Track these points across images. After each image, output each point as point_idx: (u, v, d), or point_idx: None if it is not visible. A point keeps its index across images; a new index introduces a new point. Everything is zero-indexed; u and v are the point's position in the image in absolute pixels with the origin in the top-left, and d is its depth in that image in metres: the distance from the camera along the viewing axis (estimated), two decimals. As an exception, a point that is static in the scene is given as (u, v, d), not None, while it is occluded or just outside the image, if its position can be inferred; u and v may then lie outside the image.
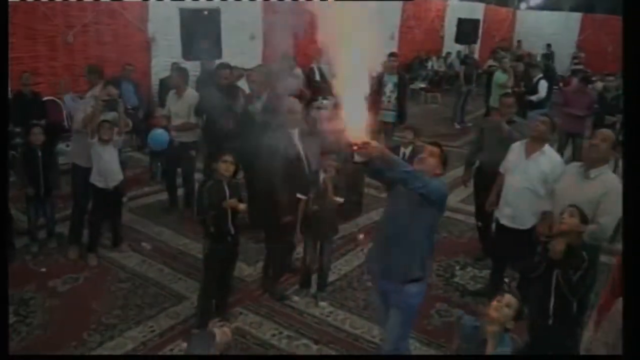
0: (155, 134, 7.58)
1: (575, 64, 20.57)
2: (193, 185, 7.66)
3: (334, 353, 4.87)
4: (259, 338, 5.01)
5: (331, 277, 5.94)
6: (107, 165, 6.03)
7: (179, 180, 7.84)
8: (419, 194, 3.65)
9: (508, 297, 3.43)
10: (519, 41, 22.61)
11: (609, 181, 4.51)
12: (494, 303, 3.40)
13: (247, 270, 6.17)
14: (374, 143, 3.46)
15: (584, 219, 4.04)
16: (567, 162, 8.93)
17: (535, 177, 5.24)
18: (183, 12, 9.49)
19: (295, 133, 5.52)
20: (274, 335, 5.08)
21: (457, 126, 14.29)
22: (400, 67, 11.03)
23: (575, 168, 4.85)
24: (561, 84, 16.98)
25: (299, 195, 5.41)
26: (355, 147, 3.44)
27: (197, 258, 6.31)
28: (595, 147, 4.56)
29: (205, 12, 10.06)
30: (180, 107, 7.26)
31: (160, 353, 4.74)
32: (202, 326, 4.49)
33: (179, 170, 7.74)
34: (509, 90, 11.13)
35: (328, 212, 5.46)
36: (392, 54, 10.20)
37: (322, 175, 5.39)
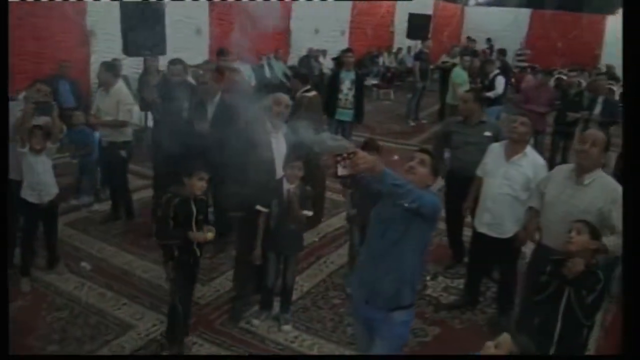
0: (75, 131, 7.08)
1: (519, 60, 20.56)
2: (127, 191, 7.11)
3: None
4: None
5: (293, 296, 5.37)
6: (40, 177, 5.31)
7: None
8: (409, 210, 3.15)
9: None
10: (468, 37, 22.52)
11: (609, 186, 4.07)
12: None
13: (201, 290, 5.54)
14: (361, 154, 2.95)
15: (595, 234, 3.60)
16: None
17: (517, 182, 4.87)
18: (124, 4, 8.76)
19: (280, 134, 5.03)
20: (233, 368, 4.50)
21: (412, 123, 13.97)
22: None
23: (564, 173, 4.38)
24: (513, 80, 16.87)
25: (259, 208, 4.82)
26: (339, 159, 2.92)
27: (142, 278, 5.75)
28: (584, 153, 4.12)
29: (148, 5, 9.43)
30: (109, 103, 6.70)
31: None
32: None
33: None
34: (467, 87, 10.95)
35: (292, 226, 4.89)
36: (347, 50, 9.77)
37: (286, 186, 4.81)
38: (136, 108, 8.53)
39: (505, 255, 5.15)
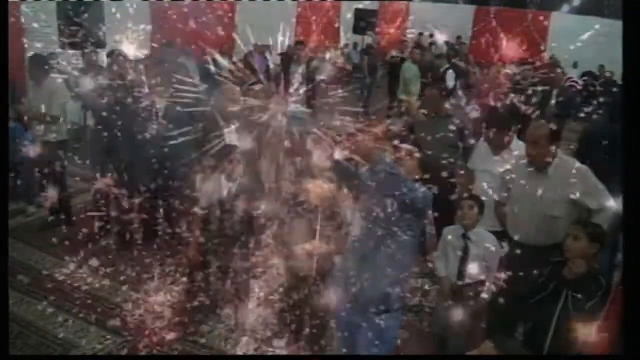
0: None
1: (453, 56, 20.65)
2: (67, 195, 6.70)
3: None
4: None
5: (250, 304, 5.01)
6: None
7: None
8: (401, 201, 2.98)
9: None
10: (420, 33, 22.58)
11: (570, 166, 4.05)
12: None
13: (148, 302, 5.15)
14: (361, 137, 2.90)
15: (594, 237, 3.43)
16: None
17: (503, 177, 4.67)
18: (61, -5, 8.39)
19: (232, 130, 4.71)
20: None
21: (362, 119, 13.74)
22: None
23: (524, 167, 4.26)
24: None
25: (195, 210, 4.47)
26: (338, 140, 2.95)
27: (85, 291, 5.30)
28: (532, 147, 4.08)
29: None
30: (41, 98, 6.32)
31: None
32: None
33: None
34: (418, 81, 10.83)
35: (236, 228, 4.54)
36: (298, 42, 9.50)
37: (225, 184, 4.45)
38: (74, 105, 8.09)
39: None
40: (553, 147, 4.07)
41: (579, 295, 3.30)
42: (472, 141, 5.88)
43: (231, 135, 4.76)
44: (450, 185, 5.61)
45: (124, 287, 5.42)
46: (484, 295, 4.14)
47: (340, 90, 15.02)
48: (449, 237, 4.26)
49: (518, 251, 4.13)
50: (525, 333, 3.75)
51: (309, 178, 4.01)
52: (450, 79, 11.42)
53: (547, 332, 3.42)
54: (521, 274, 3.73)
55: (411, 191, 2.98)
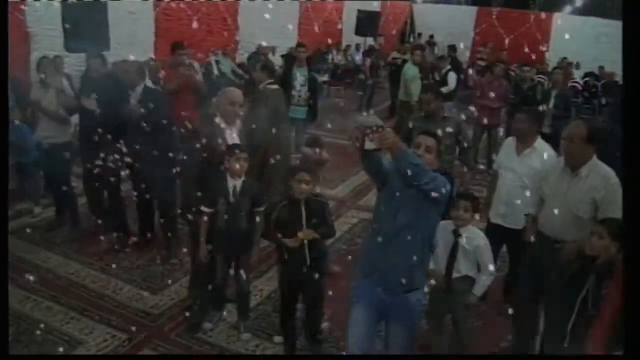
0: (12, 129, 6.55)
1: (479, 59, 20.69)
2: (72, 196, 6.73)
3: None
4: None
5: (253, 301, 5.14)
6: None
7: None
8: (424, 191, 3.19)
9: None
10: (419, 34, 22.66)
11: (604, 176, 4.09)
12: None
13: (153, 300, 5.26)
14: (389, 129, 3.05)
15: (617, 235, 3.48)
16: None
17: (527, 175, 5.02)
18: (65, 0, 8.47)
19: (234, 131, 4.85)
20: (191, 384, 4.23)
21: (364, 121, 13.82)
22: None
23: (560, 167, 4.38)
24: (462, 76, 16.95)
25: (203, 209, 4.55)
26: (369, 132, 3.02)
27: (90, 289, 5.41)
28: (568, 146, 4.17)
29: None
30: (50, 99, 6.38)
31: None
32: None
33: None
34: (419, 82, 10.89)
35: (243, 225, 4.61)
36: (300, 45, 9.53)
37: (231, 182, 4.55)
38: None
39: (516, 247, 5.17)
40: (589, 149, 4.15)
41: (602, 281, 3.44)
42: (466, 144, 6.02)
43: (233, 135, 4.86)
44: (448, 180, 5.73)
45: (129, 286, 5.52)
46: (476, 291, 4.32)
47: (342, 92, 15.21)
48: (440, 232, 4.31)
49: (544, 245, 4.28)
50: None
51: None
52: (452, 81, 11.51)
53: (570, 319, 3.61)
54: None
55: (433, 181, 3.18)
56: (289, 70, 9.28)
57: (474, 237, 4.33)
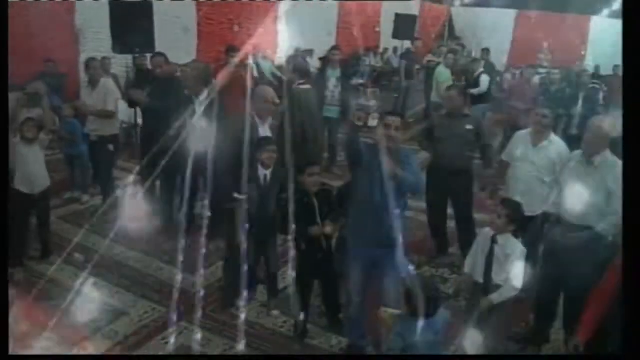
0: (65, 122, 7.32)
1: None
2: (112, 185, 7.28)
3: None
4: (209, 355, 4.57)
5: (280, 285, 5.52)
6: (31, 168, 5.45)
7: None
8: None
9: None
10: (457, 37, 22.76)
11: (612, 162, 4.46)
12: None
13: (191, 280, 5.68)
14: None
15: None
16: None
17: (544, 166, 5.40)
18: (112, 3, 8.91)
19: (266, 126, 5.29)
20: (225, 350, 4.68)
21: (398, 121, 14.08)
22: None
23: (578, 157, 4.78)
24: (498, 79, 17.07)
25: (236, 195, 4.94)
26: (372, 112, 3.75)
27: (134, 269, 5.92)
28: (589, 138, 4.58)
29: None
30: (96, 98, 6.93)
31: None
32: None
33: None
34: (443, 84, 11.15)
35: (270, 210, 5.03)
36: (334, 48, 9.92)
37: (261, 171, 4.95)
38: (125, 105, 8.69)
39: (533, 232, 5.44)
40: (605, 141, 4.53)
41: None
42: (486, 141, 6.29)
43: (265, 129, 5.26)
44: (468, 177, 6.05)
45: (170, 267, 5.99)
46: (493, 297, 4.23)
47: (377, 93, 15.43)
48: (480, 237, 4.55)
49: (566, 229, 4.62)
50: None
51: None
52: (484, 83, 11.74)
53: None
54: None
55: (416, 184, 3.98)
56: (323, 71, 9.66)
57: (509, 246, 4.27)
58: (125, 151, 9.10)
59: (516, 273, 4.16)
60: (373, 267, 4.37)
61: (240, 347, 4.63)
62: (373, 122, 3.53)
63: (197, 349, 4.60)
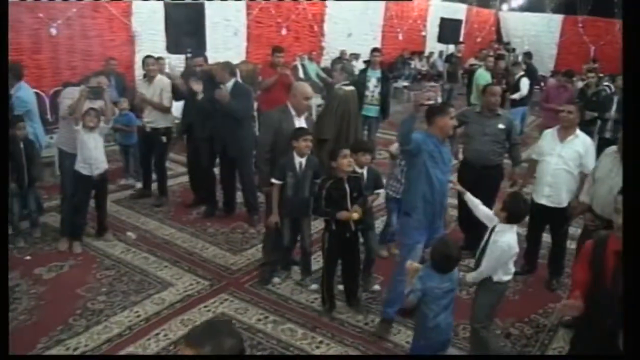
0: (122, 114, 7.94)
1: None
2: (163, 173, 7.83)
3: (319, 338, 4.91)
4: (245, 323, 5.03)
5: (313, 267, 5.95)
6: (92, 152, 5.99)
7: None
8: None
9: None
10: (499, 41, 22.88)
11: None
12: None
13: (233, 258, 6.21)
14: None
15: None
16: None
17: (571, 159, 5.67)
18: (167, 6, 9.51)
19: (302, 119, 5.68)
20: (259, 320, 5.11)
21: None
22: (383, 65, 11.18)
23: (611, 155, 5.06)
24: (542, 84, 17.19)
25: (273, 181, 5.41)
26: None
27: (181, 247, 6.43)
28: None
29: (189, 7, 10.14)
30: (152, 92, 7.42)
31: (146, 337, 4.73)
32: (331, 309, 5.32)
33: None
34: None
35: (305, 193, 5.46)
36: (375, 49, 10.30)
37: (297, 159, 5.39)
38: (177, 103, 9.28)
39: (559, 223, 5.95)
40: None
41: None
42: (515, 141, 6.54)
43: (302, 122, 5.71)
44: (498, 172, 6.36)
45: (214, 247, 6.52)
46: (468, 276, 4.39)
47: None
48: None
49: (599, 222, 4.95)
50: None
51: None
52: (524, 86, 11.98)
53: None
54: None
55: None
56: (364, 72, 10.08)
57: (499, 234, 4.25)
58: (177, 144, 9.72)
59: (491, 260, 4.23)
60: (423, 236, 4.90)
61: (273, 317, 5.15)
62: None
63: (235, 315, 5.11)
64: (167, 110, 7.46)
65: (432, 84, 10.35)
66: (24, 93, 6.69)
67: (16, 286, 5.40)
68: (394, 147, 6.12)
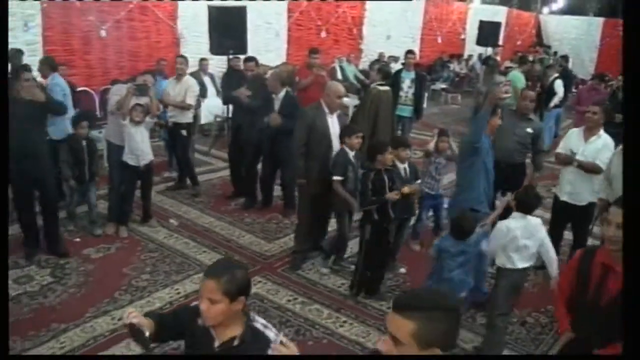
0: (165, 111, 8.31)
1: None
2: (188, 164, 8.33)
3: (343, 318, 5.28)
4: (276, 302, 5.45)
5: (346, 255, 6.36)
6: (138, 145, 6.49)
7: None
8: None
9: None
10: (539, 44, 22.87)
11: None
12: None
13: (267, 246, 6.65)
14: None
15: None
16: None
17: (592, 157, 5.84)
18: (211, 9, 9.90)
19: (334, 116, 6.05)
20: (289, 300, 5.53)
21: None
22: (422, 67, 11.47)
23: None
24: (580, 87, 17.21)
25: (336, 178, 5.72)
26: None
27: (220, 234, 6.89)
28: None
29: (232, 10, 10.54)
30: (178, 90, 7.88)
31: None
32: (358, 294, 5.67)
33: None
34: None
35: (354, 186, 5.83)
36: (409, 51, 10.62)
37: (350, 154, 5.76)
38: (218, 101, 9.76)
39: (581, 220, 6.17)
40: None
41: None
42: (541, 147, 6.65)
43: (334, 120, 6.06)
44: (521, 170, 6.60)
45: (250, 235, 6.97)
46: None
47: (459, 98, 15.98)
48: None
49: None
50: None
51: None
52: (559, 88, 12.13)
53: None
54: None
55: None
56: (398, 73, 10.39)
57: (508, 220, 4.65)
58: (218, 141, 10.23)
59: (489, 240, 4.78)
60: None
61: (302, 298, 5.55)
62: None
63: (266, 296, 5.53)
64: (187, 108, 7.90)
65: (502, 79, 10.64)
66: (59, 80, 7.36)
67: (66, 263, 5.94)
68: (431, 145, 6.55)
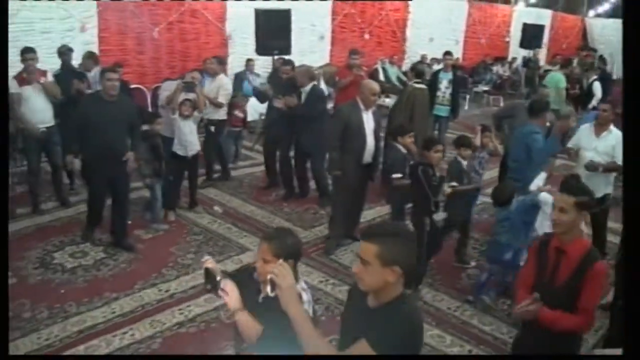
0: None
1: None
2: (221, 156, 8.89)
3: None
4: (308, 283, 5.81)
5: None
6: (187, 137, 7.02)
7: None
8: None
9: None
10: (585, 47, 22.75)
11: None
12: None
13: (304, 233, 7.07)
14: None
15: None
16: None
17: (605, 152, 6.19)
18: (258, 12, 10.37)
19: (370, 112, 6.46)
20: (321, 281, 5.99)
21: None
22: (464, 70, 11.69)
23: None
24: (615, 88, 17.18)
25: (394, 176, 6.07)
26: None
27: (260, 222, 7.39)
28: None
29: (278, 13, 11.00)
30: (212, 88, 8.29)
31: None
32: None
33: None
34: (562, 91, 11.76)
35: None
36: (447, 53, 10.93)
37: (399, 147, 6.23)
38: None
39: (597, 213, 6.29)
40: None
41: None
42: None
43: (369, 116, 6.47)
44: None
45: (288, 223, 7.39)
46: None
47: (501, 101, 16.10)
48: None
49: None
50: None
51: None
52: (597, 90, 12.29)
53: None
54: None
55: None
56: (436, 74, 10.72)
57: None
58: (262, 137, 10.69)
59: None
60: None
61: (333, 280, 5.99)
62: None
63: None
64: (219, 105, 8.34)
65: (571, 109, 11.11)
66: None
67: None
68: (477, 140, 6.89)
